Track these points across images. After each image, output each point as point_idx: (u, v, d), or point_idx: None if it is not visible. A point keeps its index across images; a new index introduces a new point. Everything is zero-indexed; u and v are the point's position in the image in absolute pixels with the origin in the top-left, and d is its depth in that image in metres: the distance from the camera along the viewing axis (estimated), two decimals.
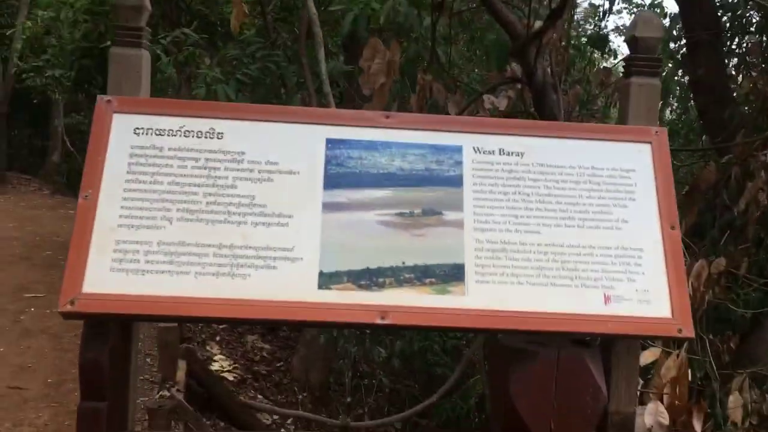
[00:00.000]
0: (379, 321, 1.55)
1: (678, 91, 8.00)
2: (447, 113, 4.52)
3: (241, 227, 1.61)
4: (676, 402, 2.61)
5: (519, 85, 4.86)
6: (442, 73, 4.72)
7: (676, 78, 7.66)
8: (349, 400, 4.96)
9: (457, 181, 1.69)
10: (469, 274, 1.61)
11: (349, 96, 6.45)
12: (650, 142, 1.76)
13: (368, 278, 1.59)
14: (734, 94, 4.75)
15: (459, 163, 1.71)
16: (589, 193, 1.71)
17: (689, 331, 1.60)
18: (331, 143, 1.70)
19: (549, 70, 3.78)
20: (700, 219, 4.04)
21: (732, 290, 3.69)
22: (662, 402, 2.64)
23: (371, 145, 1.71)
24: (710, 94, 4.44)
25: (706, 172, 3.86)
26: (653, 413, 2.56)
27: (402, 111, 4.42)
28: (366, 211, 1.65)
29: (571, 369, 1.60)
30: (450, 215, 1.66)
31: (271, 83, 6.32)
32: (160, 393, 4.38)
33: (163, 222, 1.59)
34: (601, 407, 1.63)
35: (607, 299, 1.61)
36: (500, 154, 1.73)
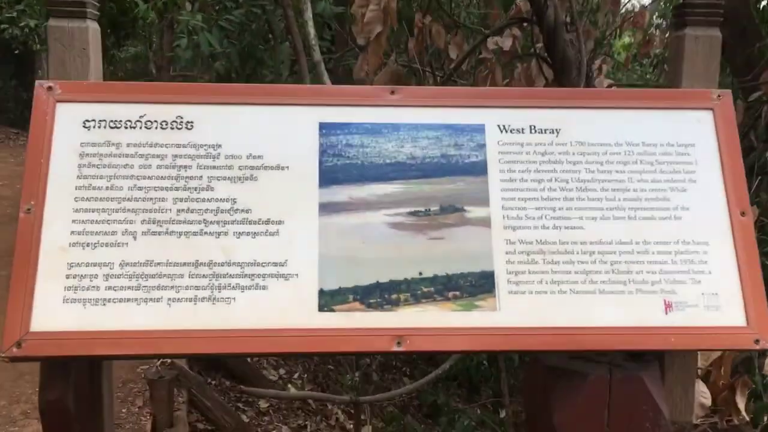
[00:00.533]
0: (395, 348, 1.28)
1: None
2: (448, 58, 4.17)
3: (221, 239, 1.32)
4: (720, 382, 2.37)
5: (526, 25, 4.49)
6: (441, 13, 4.34)
7: None
8: (356, 375, 4.76)
9: (480, 169, 1.39)
10: (501, 284, 1.33)
11: (341, 41, 6.04)
12: (711, 109, 1.45)
13: (379, 295, 1.31)
14: (762, 28, 4.38)
15: (482, 146, 1.41)
16: (641, 176, 1.41)
17: None
18: (325, 128, 1.39)
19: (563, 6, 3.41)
20: None
21: (764, 243, 3.41)
22: (703, 381, 2.40)
23: (375, 129, 1.40)
24: (735, 26, 4.07)
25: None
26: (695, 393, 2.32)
27: (402, 59, 4.06)
28: (372, 211, 1.35)
29: (627, 392, 1.34)
30: (474, 211, 1.37)
31: (257, 29, 5.91)
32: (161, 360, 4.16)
33: (125, 237, 1.30)
34: None
35: (667, 307, 1.33)
36: (531, 132, 1.42)
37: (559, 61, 3.19)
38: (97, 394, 1.44)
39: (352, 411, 4.94)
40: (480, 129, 1.42)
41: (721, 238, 1.37)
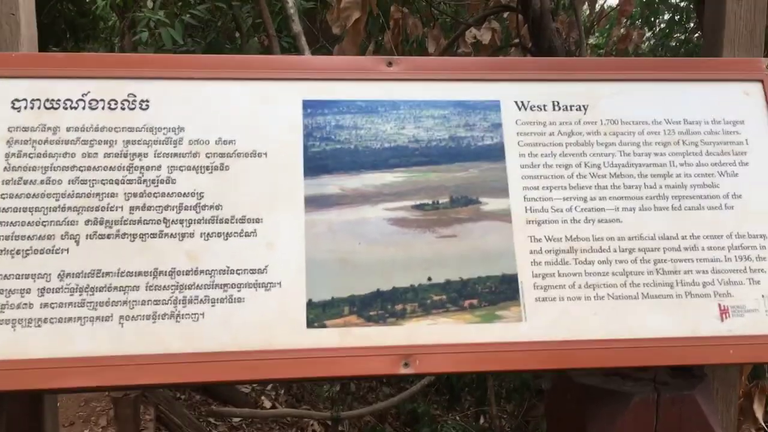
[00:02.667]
0: (402, 371, 1.04)
1: None
2: (425, 52, 3.97)
3: (185, 242, 1.07)
4: (740, 390, 2.18)
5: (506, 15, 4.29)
6: (419, 4, 4.13)
7: None
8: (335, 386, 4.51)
9: (496, 153, 1.17)
10: (526, 290, 1.10)
11: (311, 38, 5.79)
12: (761, 81, 1.25)
13: (380, 306, 1.07)
14: None
15: (497, 126, 1.18)
16: (684, 159, 1.20)
17: None
18: (310, 107, 1.16)
19: None
20: None
21: None
22: None
23: (370, 107, 1.17)
24: None
25: None
26: None
27: (378, 54, 3.83)
28: (369, 205, 1.12)
29: (677, 415, 1.12)
30: (491, 203, 1.14)
31: (222, 25, 5.64)
32: None
33: (65, 242, 1.05)
34: None
35: (723, 312, 1.12)
36: (555, 109, 1.20)
37: (545, 50, 2.99)
38: (37, 430, 1.18)
39: (329, 423, 4.71)
40: (495, 106, 1.19)
41: None
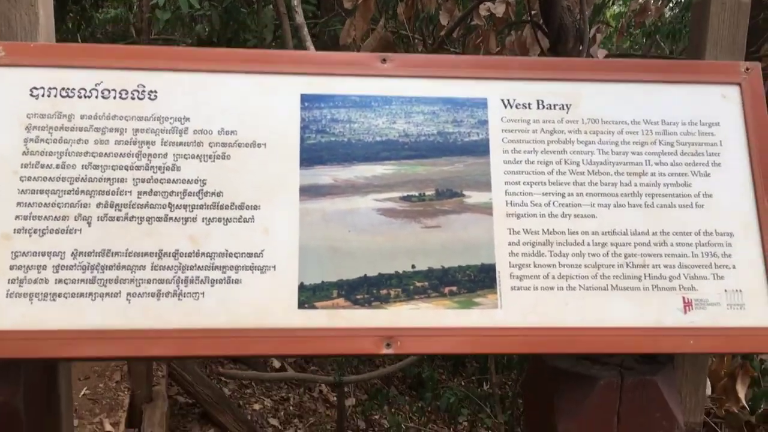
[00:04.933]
0: (384, 350, 1.14)
1: None
2: (439, 24, 3.99)
3: (188, 226, 1.16)
4: (723, 370, 2.26)
5: None
6: None
7: None
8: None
9: (481, 149, 1.24)
10: (503, 279, 1.18)
11: (327, 5, 5.81)
12: (739, 84, 1.30)
13: (366, 290, 1.16)
14: None
15: (483, 123, 1.26)
16: (659, 158, 1.27)
17: None
18: (307, 100, 1.23)
19: None
20: None
21: None
22: None
23: (363, 102, 1.24)
24: None
25: None
26: None
27: (390, 25, 3.86)
28: (360, 195, 1.20)
29: (640, 398, 1.21)
30: (474, 197, 1.22)
31: None
32: None
33: (78, 223, 1.14)
34: None
35: (687, 305, 1.20)
36: (539, 107, 1.27)
37: (555, 29, 3.02)
38: (52, 395, 1.30)
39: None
40: (482, 103, 1.26)
41: (746, 228, 1.24)
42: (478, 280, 1.18)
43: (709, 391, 2.25)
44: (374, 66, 1.25)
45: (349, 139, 1.22)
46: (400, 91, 1.25)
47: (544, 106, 1.27)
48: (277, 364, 5.45)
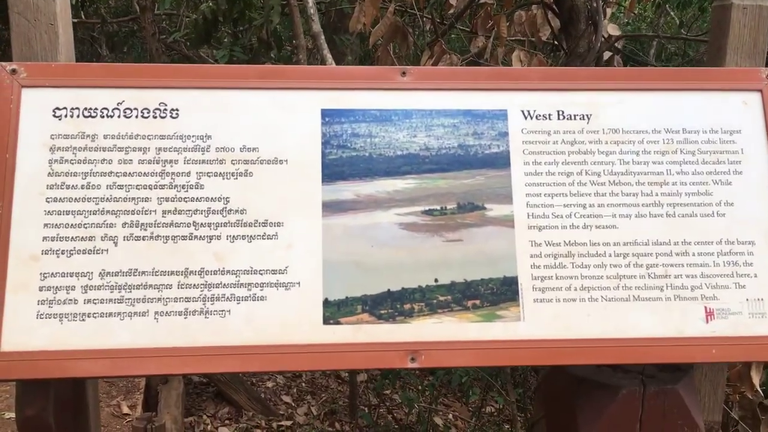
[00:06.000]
0: (409, 364, 1.16)
1: None
2: (447, 4, 3.94)
3: (213, 244, 1.17)
4: None
5: None
6: None
7: None
8: None
9: (502, 161, 1.24)
10: (526, 291, 1.20)
11: None
12: (760, 90, 1.30)
13: (390, 305, 1.17)
14: None
15: (504, 135, 1.26)
16: (681, 168, 1.27)
17: None
18: (328, 115, 1.24)
19: None
20: None
21: None
22: None
23: (384, 116, 1.24)
24: None
25: None
26: None
27: (399, 5, 3.82)
28: (382, 210, 1.21)
29: (661, 406, 1.23)
30: (495, 209, 1.23)
31: None
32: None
33: (104, 243, 1.15)
34: None
35: (709, 315, 1.21)
36: (559, 118, 1.27)
37: (566, 9, 2.99)
38: (80, 406, 1.32)
39: None
40: (502, 115, 1.26)
41: (767, 236, 1.24)
42: (500, 293, 1.19)
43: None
44: (394, 79, 1.25)
45: (370, 154, 1.23)
46: (421, 104, 1.25)
47: (564, 117, 1.27)
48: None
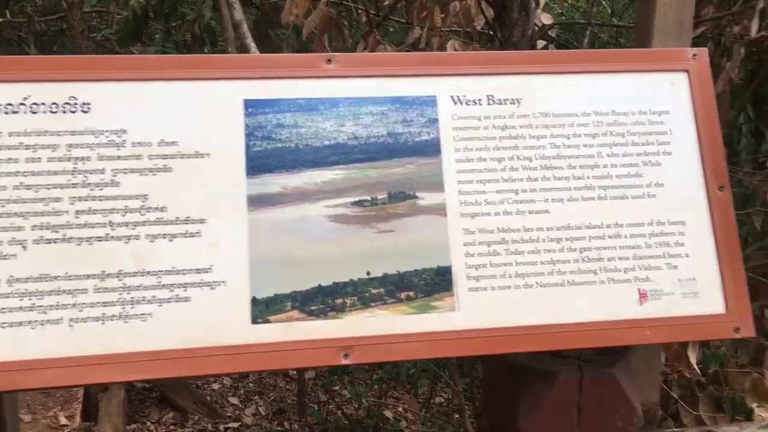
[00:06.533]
0: (342, 361, 1.12)
1: None
2: None
3: (131, 244, 1.11)
4: None
5: None
6: None
7: None
8: None
9: (433, 148, 1.21)
10: (460, 281, 1.17)
11: None
12: (686, 71, 1.30)
13: (321, 301, 1.13)
14: None
15: (434, 121, 1.23)
16: (611, 150, 1.26)
17: (749, 329, 1.22)
18: (251, 106, 1.18)
19: None
20: None
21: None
22: None
23: (310, 105, 1.20)
24: None
25: None
26: None
27: (333, 6, 3.76)
28: (310, 203, 1.17)
29: (599, 391, 1.22)
30: (427, 198, 1.20)
31: None
32: None
33: (12, 248, 1.08)
34: (635, 430, 1.27)
35: (642, 296, 1.21)
36: (489, 103, 1.25)
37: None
38: None
39: None
40: (431, 101, 1.23)
41: (698, 216, 1.25)
42: (434, 284, 1.16)
43: (663, 359, 2.31)
44: (319, 66, 1.21)
45: (297, 145, 1.18)
46: (348, 92, 1.21)
47: (494, 101, 1.24)
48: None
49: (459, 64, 1.25)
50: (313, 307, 1.13)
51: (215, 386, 5.38)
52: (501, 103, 1.24)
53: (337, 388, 5.48)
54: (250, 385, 5.46)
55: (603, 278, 1.20)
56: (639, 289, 1.21)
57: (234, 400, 5.27)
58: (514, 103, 1.25)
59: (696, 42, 3.53)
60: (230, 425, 4.92)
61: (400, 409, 5.46)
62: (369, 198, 1.18)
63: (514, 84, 1.25)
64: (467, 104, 1.23)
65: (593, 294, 1.19)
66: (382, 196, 1.18)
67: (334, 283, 1.14)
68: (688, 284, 1.22)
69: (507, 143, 1.23)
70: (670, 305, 1.21)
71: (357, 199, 1.17)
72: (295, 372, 5.08)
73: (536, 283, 1.18)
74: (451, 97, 1.23)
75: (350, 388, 5.25)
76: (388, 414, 5.11)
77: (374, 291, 1.15)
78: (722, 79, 3.24)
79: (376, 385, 5.46)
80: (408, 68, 1.23)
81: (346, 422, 5.04)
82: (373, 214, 1.17)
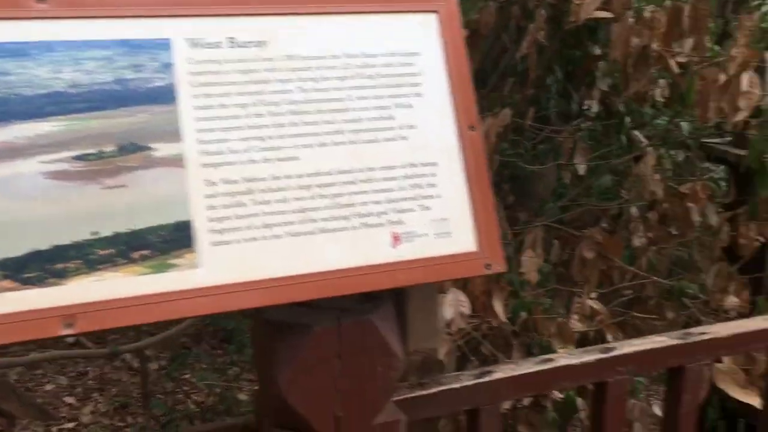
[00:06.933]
0: (64, 331, 1.01)
1: None
2: None
3: None
4: (479, 289, 2.38)
5: None
6: None
7: None
8: None
9: (167, 96, 1.12)
10: (201, 235, 1.09)
11: None
12: (436, 11, 1.28)
13: (39, 268, 1.02)
14: None
15: (168, 66, 1.13)
16: (361, 93, 1.22)
17: (500, 265, 1.23)
18: None
19: None
20: (482, 66, 3.73)
21: (520, 144, 3.49)
22: (462, 289, 2.40)
23: (19, 51, 1.07)
24: None
25: (485, 14, 3.49)
26: (453, 304, 2.32)
27: None
28: (23, 158, 1.04)
29: (357, 338, 1.19)
30: (163, 149, 1.11)
31: None
32: None
33: None
34: (397, 375, 1.26)
35: (396, 239, 1.19)
36: (230, 46, 1.17)
37: None
38: None
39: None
40: (164, 45, 1.14)
41: (449, 156, 1.24)
42: (173, 240, 1.08)
43: (468, 310, 2.36)
44: (29, 6, 1.08)
45: (6, 95, 1.05)
46: (65, 35, 1.09)
47: (236, 44, 1.17)
48: (71, 339, 5.09)
49: (196, 5, 1.17)
50: (28, 275, 1.01)
51: (48, 387, 5.05)
52: (243, 46, 1.17)
53: (187, 375, 5.31)
54: (90, 382, 5.18)
55: (356, 224, 1.17)
56: (392, 232, 1.18)
57: (70, 400, 4.97)
58: (258, 46, 1.18)
59: (502, 5, 3.63)
60: (65, 426, 4.64)
61: (255, 388, 5.37)
62: (94, 151, 1.07)
63: (258, 26, 1.19)
64: (206, 47, 1.15)
65: (346, 240, 1.16)
66: (109, 148, 1.08)
67: (55, 246, 1.03)
68: (440, 224, 1.21)
69: (251, 88, 1.16)
70: (423, 246, 1.19)
71: (79, 153, 1.06)
72: (138, 363, 4.85)
73: (285, 232, 1.13)
74: (187, 39, 1.15)
75: (198, 375, 5.11)
76: (243, 396, 5.00)
77: (102, 252, 1.05)
78: (527, 41, 3.34)
79: (228, 369, 5.33)
80: (137, 8, 1.13)
81: (198, 410, 4.90)
82: (99, 168, 1.07)
